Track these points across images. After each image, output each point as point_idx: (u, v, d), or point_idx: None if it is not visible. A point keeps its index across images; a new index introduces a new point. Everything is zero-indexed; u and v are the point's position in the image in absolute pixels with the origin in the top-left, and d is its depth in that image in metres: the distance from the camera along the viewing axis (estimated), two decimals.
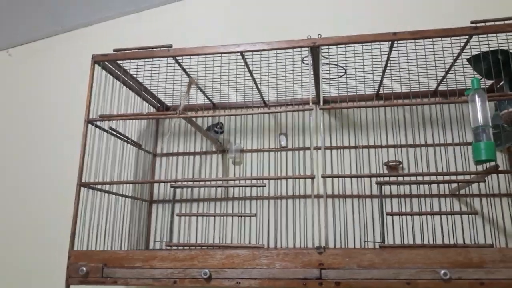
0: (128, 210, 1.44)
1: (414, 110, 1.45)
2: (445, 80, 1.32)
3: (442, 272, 0.91)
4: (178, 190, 1.43)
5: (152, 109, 1.58)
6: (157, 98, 1.54)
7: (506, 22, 1.05)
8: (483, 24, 1.06)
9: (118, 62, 1.24)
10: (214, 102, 1.55)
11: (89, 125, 1.18)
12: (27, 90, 1.88)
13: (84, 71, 1.78)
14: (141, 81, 1.40)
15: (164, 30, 1.76)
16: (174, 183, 1.11)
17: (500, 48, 1.12)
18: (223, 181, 1.30)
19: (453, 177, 1.18)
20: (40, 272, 1.59)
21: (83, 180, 1.15)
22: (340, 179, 1.39)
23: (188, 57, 1.22)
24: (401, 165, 1.40)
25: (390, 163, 1.40)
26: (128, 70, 1.30)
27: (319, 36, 1.13)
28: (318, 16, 1.64)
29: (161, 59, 1.23)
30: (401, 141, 1.41)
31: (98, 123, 1.21)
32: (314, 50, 1.13)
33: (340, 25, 1.60)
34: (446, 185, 1.33)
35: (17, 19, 1.77)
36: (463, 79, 1.21)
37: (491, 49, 1.11)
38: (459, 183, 1.15)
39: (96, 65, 1.23)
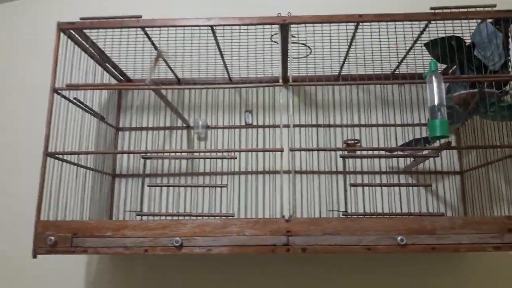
0: (91, 183, 1.42)
1: (372, 90, 1.53)
2: (405, 63, 1.40)
3: (399, 238, 0.99)
4: (147, 165, 1.43)
5: (114, 81, 1.55)
6: (119, 69, 1.51)
7: (462, 10, 1.14)
8: (441, 10, 1.14)
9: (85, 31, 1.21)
10: (179, 77, 1.55)
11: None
12: None
13: (37, 36, 1.73)
14: (103, 50, 1.37)
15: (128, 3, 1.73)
16: (145, 154, 1.11)
17: (454, 34, 1.21)
18: (194, 153, 1.32)
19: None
20: (5, 245, 1.55)
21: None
22: (306, 155, 1.45)
23: (157, 29, 1.22)
24: (359, 144, 1.48)
25: (349, 141, 1.47)
26: (91, 39, 1.28)
27: (289, 14, 1.17)
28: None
29: (128, 30, 1.22)
30: (360, 121, 1.50)
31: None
32: (284, 28, 1.17)
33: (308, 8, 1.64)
34: (402, 161, 1.43)
35: None
36: (421, 63, 1.30)
37: (447, 35, 1.20)
38: (416, 158, 1.24)
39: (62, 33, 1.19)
